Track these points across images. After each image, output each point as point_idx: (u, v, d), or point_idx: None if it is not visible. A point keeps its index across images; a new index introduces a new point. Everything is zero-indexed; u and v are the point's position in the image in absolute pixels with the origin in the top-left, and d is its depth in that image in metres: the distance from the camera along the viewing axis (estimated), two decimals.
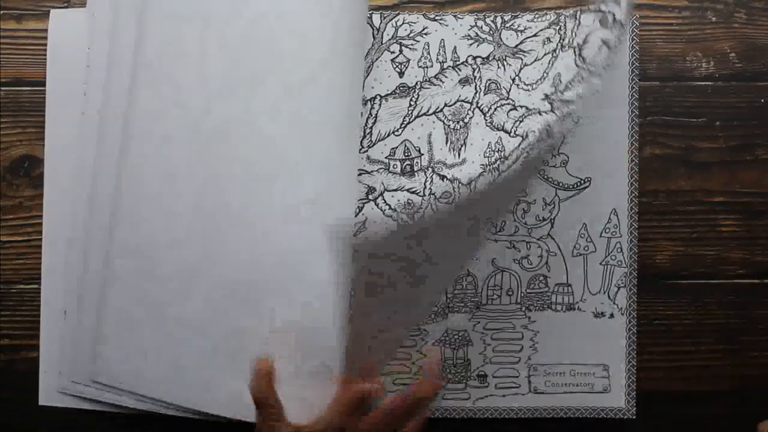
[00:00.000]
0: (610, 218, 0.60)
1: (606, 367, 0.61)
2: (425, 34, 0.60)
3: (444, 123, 0.60)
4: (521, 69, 0.60)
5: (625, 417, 0.60)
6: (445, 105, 0.60)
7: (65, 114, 0.61)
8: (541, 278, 0.61)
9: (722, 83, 0.62)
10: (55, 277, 0.61)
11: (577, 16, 0.57)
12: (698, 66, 0.62)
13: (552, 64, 0.58)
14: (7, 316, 0.62)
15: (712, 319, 0.62)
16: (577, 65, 0.55)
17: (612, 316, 0.60)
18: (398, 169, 0.60)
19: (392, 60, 0.60)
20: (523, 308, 0.61)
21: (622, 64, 0.61)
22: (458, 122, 0.60)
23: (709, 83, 0.62)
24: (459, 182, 0.59)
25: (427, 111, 0.60)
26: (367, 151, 0.60)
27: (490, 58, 0.60)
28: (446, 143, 0.60)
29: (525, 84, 0.59)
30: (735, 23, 0.62)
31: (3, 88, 0.62)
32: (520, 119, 0.59)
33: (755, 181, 0.62)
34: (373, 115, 0.60)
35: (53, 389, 0.60)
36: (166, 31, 0.57)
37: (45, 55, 0.61)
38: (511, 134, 0.59)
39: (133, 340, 0.57)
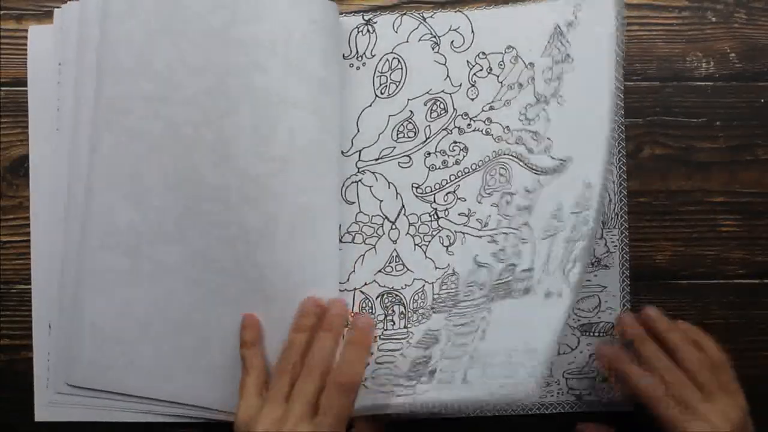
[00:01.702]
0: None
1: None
2: None
3: None
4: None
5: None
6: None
7: (46, 126, 0.61)
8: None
9: (722, 83, 0.62)
10: (42, 285, 0.61)
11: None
12: (698, 66, 0.62)
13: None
14: (7, 316, 0.62)
15: (712, 319, 0.62)
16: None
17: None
18: None
19: None
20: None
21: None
22: None
23: (709, 83, 0.62)
24: None
25: None
26: None
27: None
28: None
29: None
30: (735, 23, 0.62)
31: (3, 88, 0.62)
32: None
33: (755, 181, 0.62)
34: None
35: (44, 403, 0.61)
36: (133, 48, 0.57)
37: None
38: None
39: (112, 342, 0.58)
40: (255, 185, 0.56)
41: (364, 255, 0.61)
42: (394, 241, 0.61)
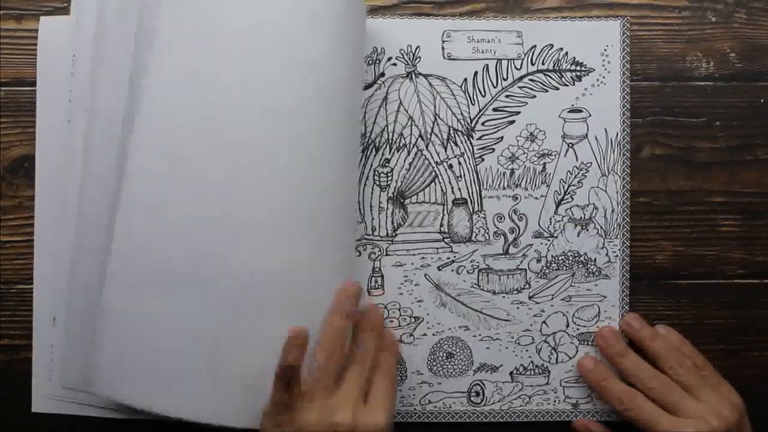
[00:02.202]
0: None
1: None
2: None
3: None
4: None
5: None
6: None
7: (55, 119, 0.61)
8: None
9: (722, 83, 0.62)
10: (46, 281, 0.61)
11: None
12: (698, 66, 0.62)
13: None
14: (7, 316, 0.62)
15: (712, 319, 0.62)
16: None
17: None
18: None
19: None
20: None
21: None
22: None
23: (709, 83, 0.62)
24: None
25: None
26: None
27: None
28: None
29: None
30: (735, 23, 0.62)
31: (3, 88, 0.62)
32: None
33: (755, 181, 0.62)
34: None
35: (45, 395, 0.61)
36: (154, 42, 0.56)
37: None
38: None
39: (126, 350, 0.55)
40: (289, 182, 0.55)
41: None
42: None
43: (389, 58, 0.61)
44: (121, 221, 0.55)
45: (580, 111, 0.61)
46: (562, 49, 0.61)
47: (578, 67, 0.61)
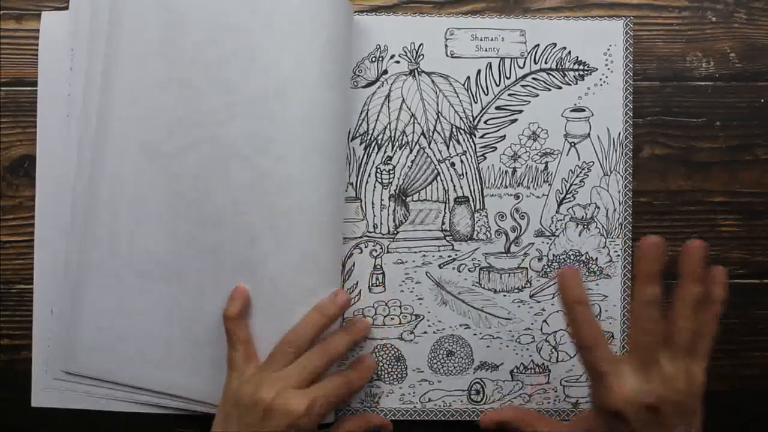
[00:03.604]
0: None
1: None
2: None
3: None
4: None
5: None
6: None
7: (55, 115, 0.61)
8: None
9: (722, 83, 0.62)
10: (45, 276, 0.61)
11: None
12: (698, 66, 0.62)
13: None
14: (7, 316, 0.62)
15: None
16: None
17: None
18: None
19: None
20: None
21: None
22: None
23: (709, 83, 0.62)
24: None
25: None
26: None
27: None
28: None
29: None
30: (735, 23, 0.62)
31: (3, 88, 0.62)
32: None
33: (755, 181, 0.62)
34: None
35: (43, 388, 0.61)
36: (143, 35, 0.58)
37: None
38: None
39: (108, 331, 0.59)
40: (257, 177, 0.57)
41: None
42: None
43: (392, 56, 0.61)
44: (103, 214, 0.59)
45: (583, 110, 0.61)
46: (565, 48, 0.61)
47: (581, 67, 0.62)
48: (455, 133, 0.62)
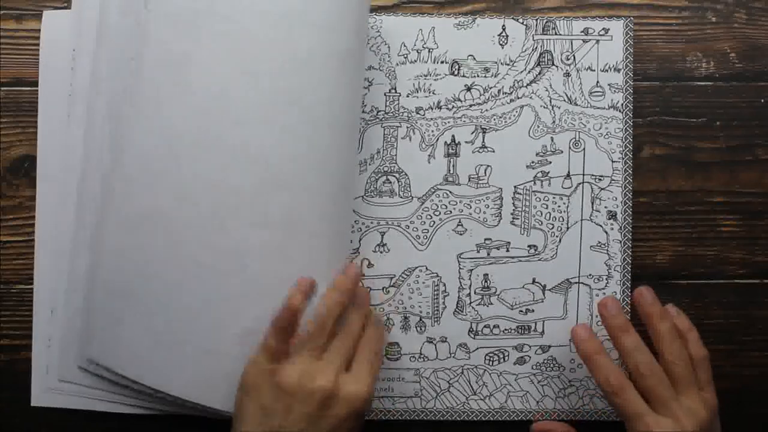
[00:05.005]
0: None
1: None
2: None
3: None
4: None
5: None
6: None
7: (56, 115, 0.61)
8: None
9: (722, 83, 0.62)
10: (45, 276, 0.61)
11: None
12: (698, 66, 0.62)
13: None
14: (7, 316, 0.62)
15: (712, 319, 0.62)
16: None
17: None
18: None
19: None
20: None
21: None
22: None
23: (709, 83, 0.62)
24: None
25: None
26: None
27: None
28: None
29: None
30: (735, 23, 0.62)
31: (3, 88, 0.62)
32: None
33: (755, 181, 0.62)
34: None
35: (43, 389, 0.61)
36: (156, 35, 0.57)
37: None
38: None
39: (121, 332, 0.57)
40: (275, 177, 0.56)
41: None
42: None
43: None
44: (116, 214, 0.57)
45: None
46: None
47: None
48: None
